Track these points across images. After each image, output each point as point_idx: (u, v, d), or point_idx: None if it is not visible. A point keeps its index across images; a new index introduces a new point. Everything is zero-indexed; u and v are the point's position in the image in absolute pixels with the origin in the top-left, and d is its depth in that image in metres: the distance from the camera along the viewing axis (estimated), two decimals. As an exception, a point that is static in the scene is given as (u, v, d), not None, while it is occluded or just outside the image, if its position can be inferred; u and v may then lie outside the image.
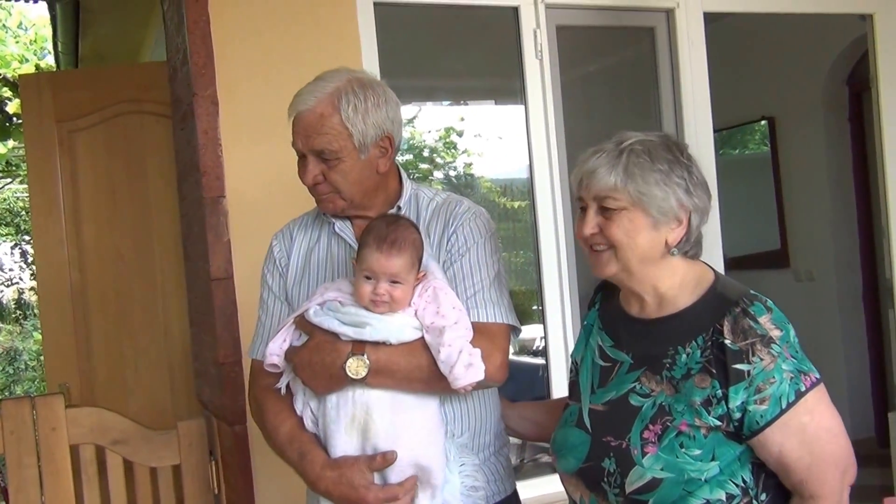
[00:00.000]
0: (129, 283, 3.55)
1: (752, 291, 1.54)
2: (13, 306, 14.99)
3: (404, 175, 1.91)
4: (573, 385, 1.77)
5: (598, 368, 1.69)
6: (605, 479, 1.57)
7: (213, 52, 2.66)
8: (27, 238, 13.62)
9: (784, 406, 1.46)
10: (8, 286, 14.70)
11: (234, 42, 2.72)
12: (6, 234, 14.70)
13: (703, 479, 1.49)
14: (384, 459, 1.63)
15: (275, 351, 1.73)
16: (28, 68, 6.42)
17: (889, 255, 3.66)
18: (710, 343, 1.50)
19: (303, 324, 1.71)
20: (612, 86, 3.77)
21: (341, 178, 1.77)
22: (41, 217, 3.61)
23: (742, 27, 5.23)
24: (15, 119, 6.89)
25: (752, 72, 5.58)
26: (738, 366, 1.47)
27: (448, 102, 4.79)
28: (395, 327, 1.65)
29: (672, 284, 1.59)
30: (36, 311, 13.80)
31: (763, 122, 5.79)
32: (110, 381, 3.58)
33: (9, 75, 6.54)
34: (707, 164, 3.31)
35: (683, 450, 1.50)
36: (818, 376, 1.51)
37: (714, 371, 1.49)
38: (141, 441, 2.74)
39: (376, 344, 1.64)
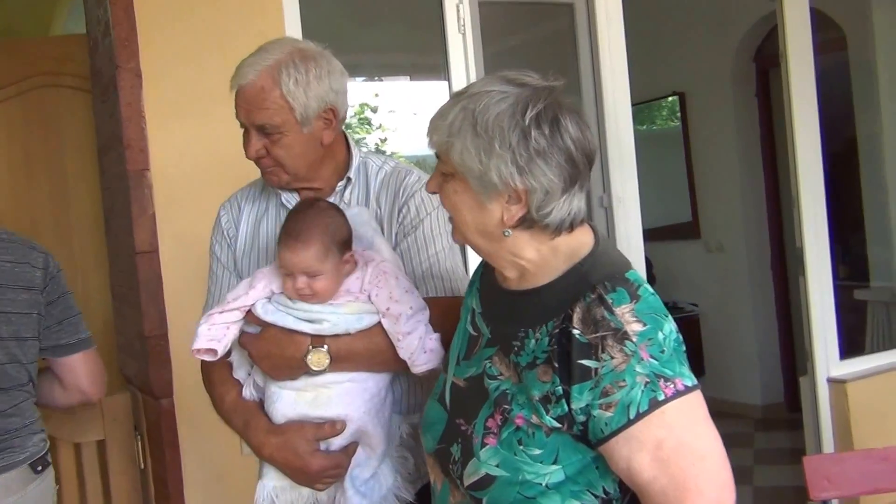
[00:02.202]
0: (48, 259, 3.49)
1: (626, 274, 1.29)
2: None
3: (352, 144, 1.87)
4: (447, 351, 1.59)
5: (467, 336, 1.49)
6: (452, 467, 1.39)
7: (136, 24, 2.63)
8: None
9: (633, 416, 1.19)
10: None
11: (157, 14, 2.70)
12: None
13: (543, 484, 1.26)
14: (332, 428, 1.63)
15: (210, 337, 1.69)
16: (-70, 38, 6.16)
17: (799, 224, 3.82)
18: (558, 331, 1.26)
19: (253, 318, 1.67)
20: (532, 60, 3.83)
21: (284, 153, 1.73)
22: (-52, 191, 3.51)
23: (653, 2, 5.37)
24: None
25: (662, 47, 5.74)
26: (584, 361, 1.22)
27: (363, 78, 4.80)
28: (352, 318, 1.62)
29: (531, 258, 1.34)
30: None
31: (673, 98, 5.97)
32: (29, 357, 3.51)
33: None
34: (626, 139, 3.46)
35: (522, 447, 1.28)
36: (689, 384, 1.22)
37: (557, 365, 1.25)
38: (64, 416, 2.71)
39: (336, 336, 1.62)
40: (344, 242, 1.63)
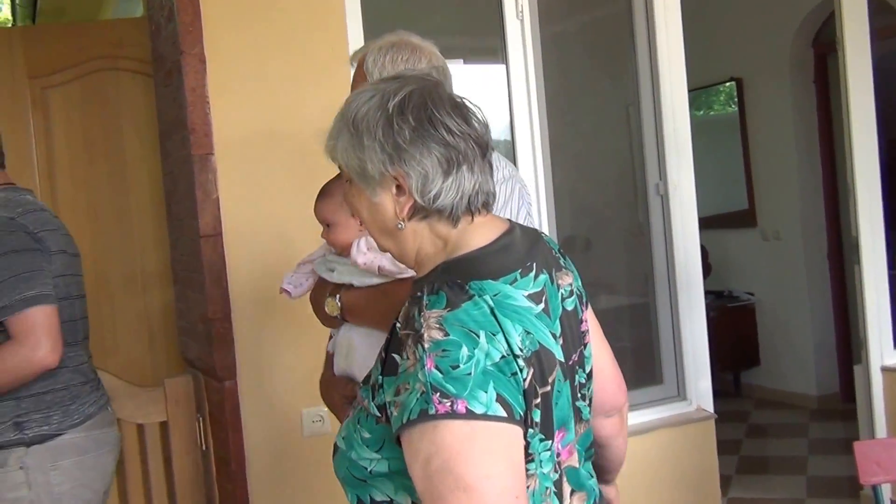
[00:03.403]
0: (107, 243, 3.58)
1: (473, 283, 1.22)
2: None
3: None
4: None
5: None
6: None
7: (200, 8, 2.70)
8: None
9: (405, 420, 1.16)
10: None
11: (221, -1, 2.77)
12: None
13: (368, 469, 1.27)
14: (352, 389, 1.85)
15: (288, 280, 2.02)
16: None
17: (855, 214, 3.82)
18: (395, 319, 1.26)
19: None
20: (589, 44, 3.85)
21: None
22: (13, 176, 3.60)
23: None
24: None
25: (720, 32, 5.71)
26: (394, 355, 1.22)
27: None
28: (357, 271, 1.84)
29: (428, 252, 1.34)
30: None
31: (730, 83, 5.94)
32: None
33: (-37, 30, 6.41)
34: (682, 125, 3.47)
35: (359, 426, 1.29)
36: (477, 411, 1.13)
37: (383, 354, 1.26)
38: (127, 397, 2.81)
39: (350, 287, 1.87)
40: None
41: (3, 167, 2.46)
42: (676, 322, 3.49)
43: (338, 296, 1.88)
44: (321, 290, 1.97)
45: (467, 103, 1.33)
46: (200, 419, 2.94)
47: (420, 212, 1.30)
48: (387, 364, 1.23)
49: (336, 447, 1.34)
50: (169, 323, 3.53)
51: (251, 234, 2.79)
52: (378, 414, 1.24)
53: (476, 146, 1.30)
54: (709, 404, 3.51)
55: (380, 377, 1.24)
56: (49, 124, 3.60)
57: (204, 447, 2.95)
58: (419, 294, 1.22)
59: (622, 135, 5.33)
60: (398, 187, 1.28)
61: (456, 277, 1.23)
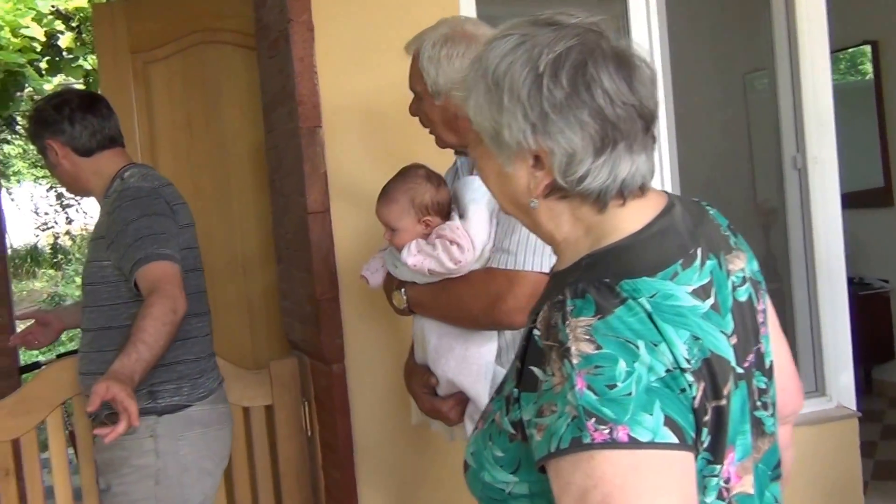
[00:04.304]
0: (208, 220, 3.60)
1: (624, 282, 1.07)
2: (49, 251, 15.33)
3: None
4: None
5: None
6: None
7: (308, -26, 2.69)
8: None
9: (553, 449, 1.01)
10: (44, 230, 14.97)
11: (327, -37, 2.75)
12: (42, 177, 14.91)
13: (507, 492, 1.14)
14: (428, 379, 2.04)
15: (366, 268, 2.17)
16: (79, 0, 6.49)
17: None
18: (531, 325, 1.12)
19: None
20: (718, 9, 3.72)
21: (424, 118, 2.10)
22: (117, 152, 3.67)
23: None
24: (65, 54, 7.00)
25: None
26: (534, 368, 1.07)
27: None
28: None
29: (565, 237, 1.19)
30: (77, 255, 14.11)
31: (865, 46, 5.67)
32: (189, 321, 3.67)
33: (61, 7, 6.60)
34: (823, 92, 3.31)
35: (490, 443, 1.16)
36: (636, 437, 0.98)
37: (519, 364, 1.12)
38: (233, 380, 2.83)
39: (413, 281, 1.99)
40: (424, 207, 1.95)
41: (123, 146, 2.62)
42: (815, 310, 3.34)
43: (403, 289, 2.01)
44: (390, 281, 2.08)
45: (634, 58, 1.13)
46: (306, 403, 2.95)
47: (559, 191, 1.14)
48: (524, 377, 1.09)
49: (466, 464, 1.23)
50: (270, 303, 3.55)
51: (359, 210, 2.76)
52: (513, 431, 1.12)
53: (640, 118, 1.12)
54: (851, 401, 3.36)
55: (515, 390, 1.10)
56: (150, 100, 3.66)
57: (309, 432, 2.96)
58: (561, 298, 1.07)
59: (738, 105, 5.17)
60: (537, 159, 1.13)
61: (604, 275, 1.08)
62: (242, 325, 3.65)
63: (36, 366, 4.87)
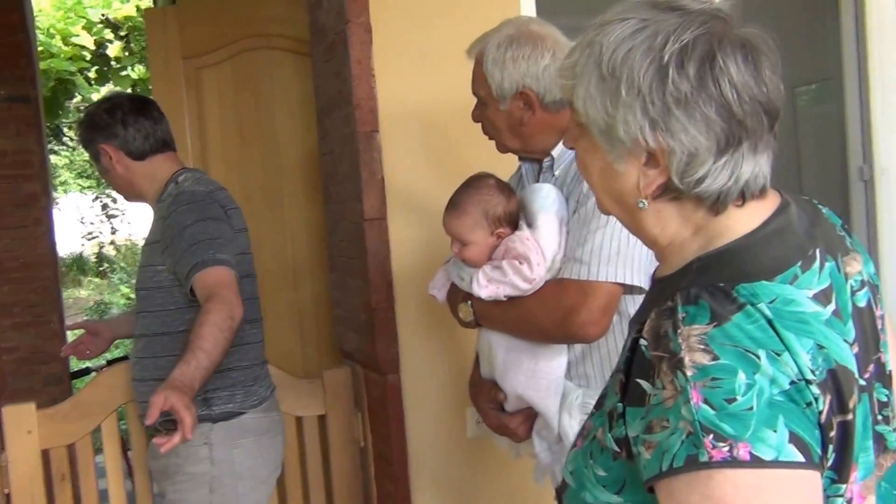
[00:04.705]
0: (259, 227, 3.54)
1: (740, 286, 0.98)
2: (94, 260, 15.46)
3: None
4: None
5: None
6: None
7: (366, -24, 2.62)
8: (108, 191, 13.97)
9: (664, 468, 0.93)
10: (89, 240, 15.11)
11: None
12: (87, 187, 15.06)
13: None
14: (496, 395, 1.95)
15: (433, 285, 2.08)
16: (129, 9, 6.51)
17: None
18: (636, 335, 1.03)
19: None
20: (780, 8, 3.60)
21: (488, 124, 2.00)
22: (169, 159, 3.63)
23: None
24: (114, 63, 7.02)
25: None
26: (641, 381, 0.99)
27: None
28: None
29: (672, 240, 1.09)
30: (122, 264, 14.21)
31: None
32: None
33: (111, 16, 6.62)
34: (893, 99, 3.17)
35: (591, 461, 1.08)
36: (759, 455, 0.90)
37: (623, 377, 1.03)
38: (287, 388, 2.76)
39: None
40: (497, 219, 1.85)
41: (175, 150, 2.59)
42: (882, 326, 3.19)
43: (470, 302, 1.92)
44: (455, 293, 1.98)
45: (762, 47, 1.03)
46: (359, 413, 2.88)
47: (671, 192, 1.05)
48: (630, 391, 1.00)
49: (564, 483, 1.15)
50: (320, 312, 3.49)
51: (416, 217, 2.69)
52: (617, 449, 1.03)
53: (766, 114, 1.02)
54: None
55: (619, 405, 1.02)
56: (202, 105, 3.62)
57: (362, 443, 2.88)
58: (671, 304, 0.98)
59: (787, 120, 5.04)
60: (651, 156, 1.03)
61: (718, 279, 0.99)
62: (292, 333, 3.58)
63: (86, 372, 4.85)
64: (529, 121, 1.92)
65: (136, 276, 2.52)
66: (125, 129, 2.47)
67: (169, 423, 1.97)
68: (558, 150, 1.93)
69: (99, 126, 2.49)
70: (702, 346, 0.94)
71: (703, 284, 0.99)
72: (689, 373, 0.93)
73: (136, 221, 14.45)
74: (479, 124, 2.05)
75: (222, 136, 3.60)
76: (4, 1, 4.57)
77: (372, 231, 2.62)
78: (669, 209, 1.07)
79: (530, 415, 1.92)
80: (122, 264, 14.07)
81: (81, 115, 2.61)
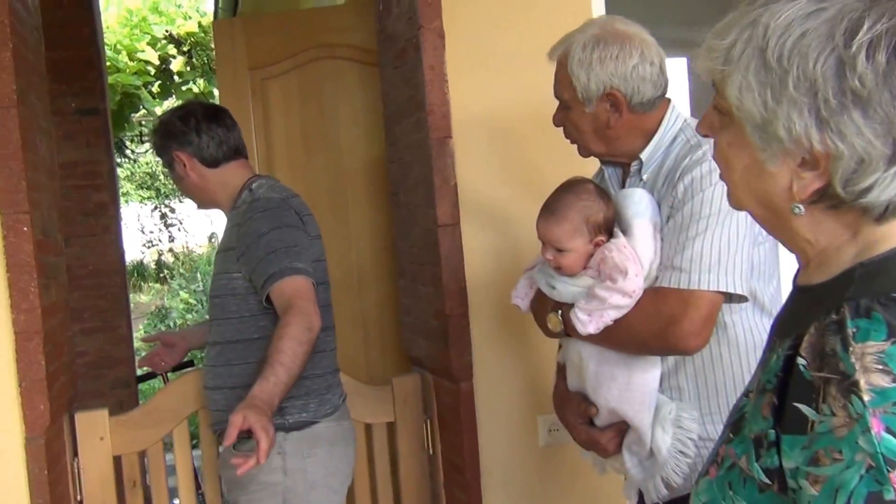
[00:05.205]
0: (324, 234, 3.42)
1: None
2: (153, 267, 15.62)
3: (667, 124, 1.81)
4: None
5: None
6: None
7: (438, -20, 2.53)
8: (167, 202, 14.12)
9: None
10: (149, 248, 15.28)
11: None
12: (148, 198, 15.26)
13: None
14: (587, 409, 1.81)
15: (517, 293, 1.94)
16: (191, 25, 6.51)
17: None
18: (789, 352, 0.90)
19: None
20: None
21: (572, 127, 1.87)
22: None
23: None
24: (176, 78, 7.04)
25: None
26: (801, 406, 0.85)
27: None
28: (578, 291, 1.72)
29: (826, 248, 0.95)
30: (181, 271, 14.33)
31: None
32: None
33: (174, 32, 6.63)
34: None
35: (731, 492, 0.94)
36: None
37: (776, 400, 0.90)
38: (356, 395, 2.67)
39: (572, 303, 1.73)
40: (597, 226, 1.72)
41: (247, 158, 2.52)
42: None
43: (560, 311, 1.78)
44: (542, 301, 1.85)
45: None
46: (427, 421, 2.77)
47: (830, 199, 0.90)
48: (787, 416, 0.86)
49: None
50: (385, 318, 3.40)
51: (489, 223, 2.59)
52: (767, 480, 0.88)
53: None
54: None
55: (772, 432, 0.88)
56: (268, 116, 3.57)
57: (431, 451, 2.78)
58: (836, 318, 0.85)
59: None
60: (810, 158, 0.89)
61: (890, 289, 0.85)
62: (356, 339, 3.50)
63: (151, 375, 4.82)
64: (616, 123, 1.80)
65: (210, 284, 2.45)
66: (199, 136, 2.40)
67: (245, 433, 1.89)
68: (647, 153, 1.81)
69: (173, 134, 2.43)
70: (880, 367, 0.80)
71: (874, 295, 0.85)
72: (866, 398, 0.79)
73: (192, 230, 14.59)
74: (560, 129, 1.94)
75: (287, 145, 3.54)
76: (75, 16, 4.56)
77: (445, 237, 2.53)
78: (825, 217, 0.93)
79: (621, 429, 1.80)
80: (181, 271, 14.18)
81: (154, 123, 2.54)
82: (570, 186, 1.78)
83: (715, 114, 0.98)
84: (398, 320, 3.22)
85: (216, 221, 14.30)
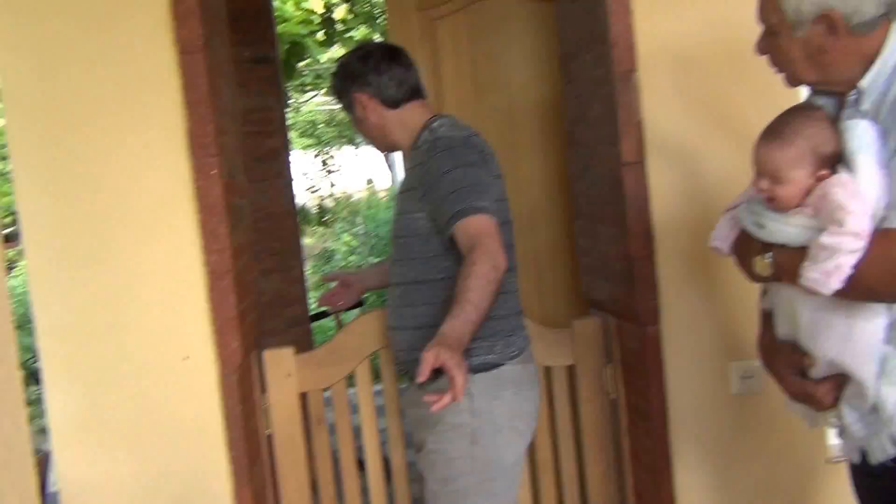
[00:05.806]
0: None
1: None
2: (315, 211, 16.02)
3: (890, 41, 1.55)
4: None
5: None
6: None
7: None
8: (327, 149, 14.37)
9: None
10: (312, 193, 15.64)
11: None
12: (308, 146, 15.60)
13: None
14: (800, 359, 1.63)
15: (716, 235, 1.78)
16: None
17: None
18: None
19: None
20: None
21: (779, 54, 1.66)
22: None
23: None
24: (338, 26, 7.01)
25: None
26: None
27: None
28: (793, 231, 1.54)
29: None
30: (342, 214, 14.63)
31: None
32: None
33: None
34: None
35: None
36: None
37: None
38: (535, 338, 2.53)
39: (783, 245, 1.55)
40: (823, 158, 1.53)
41: (426, 98, 2.41)
42: None
43: (770, 254, 1.59)
44: (747, 243, 1.67)
45: None
46: (609, 365, 2.62)
47: None
48: None
49: None
50: (557, 259, 3.25)
51: (677, 162, 2.39)
52: None
53: None
54: None
55: None
56: (437, 56, 3.43)
57: (613, 395, 2.63)
58: None
59: None
60: None
61: None
62: (529, 281, 3.34)
63: (323, 315, 4.86)
64: (832, 47, 1.56)
65: (392, 225, 2.36)
66: (379, 76, 2.30)
67: (436, 372, 1.80)
68: (867, 80, 1.56)
69: (353, 75, 2.33)
70: None
71: None
72: None
73: (351, 176, 14.83)
74: (761, 58, 1.71)
75: (457, 87, 3.41)
76: (247, -34, 4.54)
77: (630, 176, 2.34)
78: None
79: (840, 382, 1.61)
80: (342, 215, 14.47)
81: (333, 66, 2.44)
82: (800, 110, 1.59)
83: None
84: (573, 262, 3.07)
85: (373, 167, 14.49)
